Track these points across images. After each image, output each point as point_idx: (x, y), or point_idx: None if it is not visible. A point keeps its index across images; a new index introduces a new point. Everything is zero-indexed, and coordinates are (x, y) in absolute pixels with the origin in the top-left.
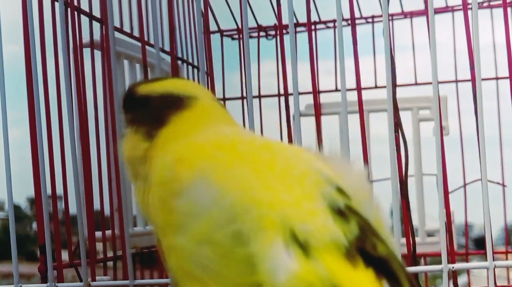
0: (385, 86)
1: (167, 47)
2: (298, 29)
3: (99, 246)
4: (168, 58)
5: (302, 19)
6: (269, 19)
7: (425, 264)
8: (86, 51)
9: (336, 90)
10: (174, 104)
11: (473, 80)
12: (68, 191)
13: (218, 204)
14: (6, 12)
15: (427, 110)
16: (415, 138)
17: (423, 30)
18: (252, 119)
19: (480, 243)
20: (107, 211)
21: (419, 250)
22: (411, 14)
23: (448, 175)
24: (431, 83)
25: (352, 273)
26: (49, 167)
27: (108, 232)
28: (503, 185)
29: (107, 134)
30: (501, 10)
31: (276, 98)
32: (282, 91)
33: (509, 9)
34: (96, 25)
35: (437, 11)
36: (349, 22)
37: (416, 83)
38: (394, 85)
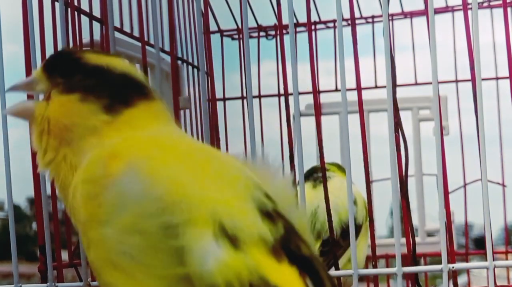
0: (385, 86)
1: (167, 47)
2: (298, 29)
3: None
4: (168, 58)
5: (302, 19)
6: (269, 19)
7: (425, 264)
8: None
9: (336, 90)
10: (139, 90)
11: (473, 80)
12: None
13: (148, 195)
14: (6, 12)
15: (427, 110)
16: (415, 138)
17: (423, 30)
18: (252, 119)
19: (480, 243)
20: None
21: (419, 250)
22: (411, 14)
23: (448, 175)
24: (431, 83)
25: (277, 267)
26: None
27: None
28: (503, 185)
29: None
30: (501, 10)
31: (276, 98)
32: (282, 91)
33: (509, 9)
34: (96, 25)
35: (437, 11)
36: (349, 22)
37: (416, 83)
38: (394, 85)
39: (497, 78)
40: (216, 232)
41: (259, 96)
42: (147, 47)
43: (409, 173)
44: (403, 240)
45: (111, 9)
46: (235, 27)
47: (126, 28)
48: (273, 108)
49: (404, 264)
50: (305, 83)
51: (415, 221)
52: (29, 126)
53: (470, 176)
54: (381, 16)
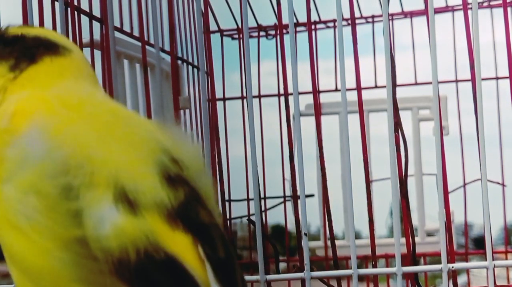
0: (385, 86)
1: (167, 47)
2: (298, 29)
3: None
4: (168, 58)
5: (302, 19)
6: (269, 19)
7: (425, 263)
8: (86, 51)
9: (336, 90)
10: (48, 47)
11: (473, 80)
12: None
13: (50, 155)
14: (6, 12)
15: (427, 110)
16: (415, 138)
17: (423, 30)
18: (252, 119)
19: (479, 242)
20: None
21: (419, 249)
22: (411, 14)
23: (448, 174)
24: (431, 83)
25: (171, 234)
26: None
27: None
28: (503, 185)
29: None
30: (501, 10)
31: (276, 98)
32: (282, 91)
33: (509, 9)
34: (96, 25)
35: (437, 11)
36: (349, 22)
37: (416, 83)
38: (394, 85)
39: (497, 78)
40: (116, 196)
41: (259, 96)
42: (147, 47)
43: (409, 172)
44: (403, 240)
45: (111, 9)
46: (235, 27)
47: (126, 28)
48: (273, 108)
49: (403, 263)
50: (305, 83)
51: (415, 221)
52: None
53: (470, 176)
54: (381, 16)
